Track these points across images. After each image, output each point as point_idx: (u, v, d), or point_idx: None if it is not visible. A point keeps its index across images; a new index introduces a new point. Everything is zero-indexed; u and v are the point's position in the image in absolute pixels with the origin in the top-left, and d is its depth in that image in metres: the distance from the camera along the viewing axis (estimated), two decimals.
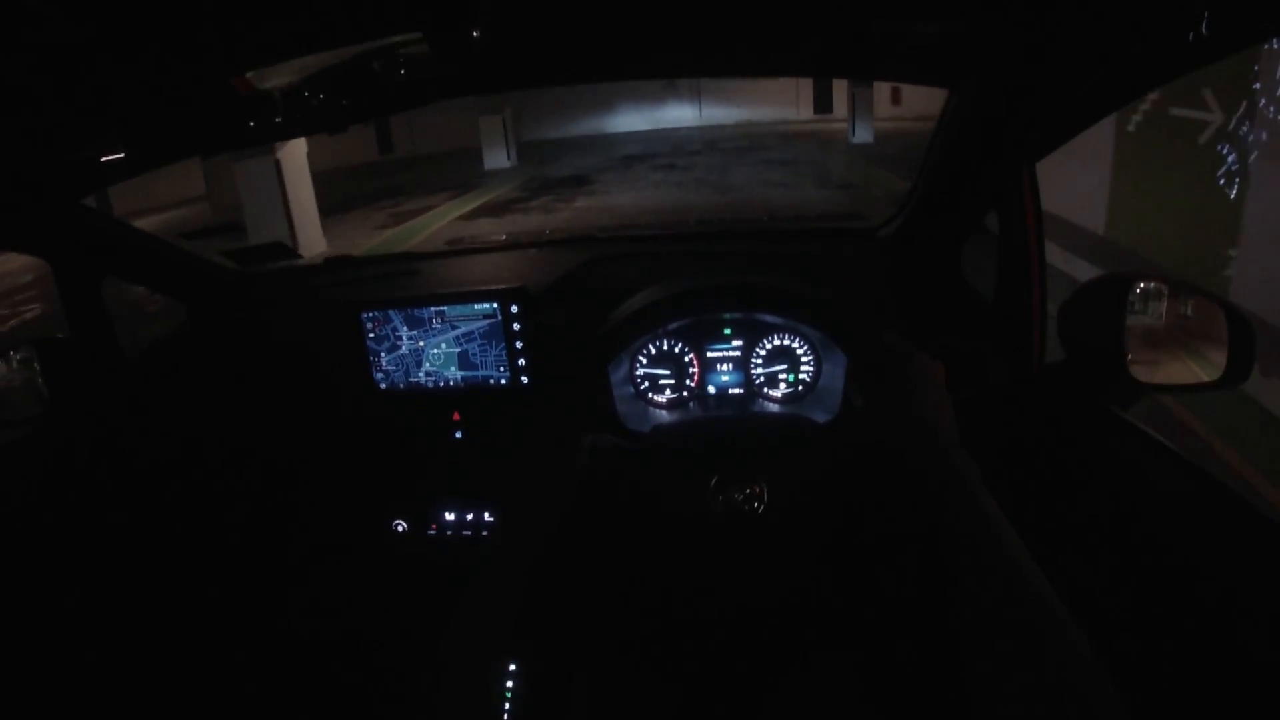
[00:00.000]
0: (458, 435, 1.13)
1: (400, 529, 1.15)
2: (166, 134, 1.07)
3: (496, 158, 13.41)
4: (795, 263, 1.19)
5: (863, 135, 12.32)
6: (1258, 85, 3.84)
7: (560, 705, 1.04)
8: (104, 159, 1.10)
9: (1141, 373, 1.05)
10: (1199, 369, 1.08)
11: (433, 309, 1.09)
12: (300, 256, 1.36)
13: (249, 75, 0.92)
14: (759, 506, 0.97)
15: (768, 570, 1.03)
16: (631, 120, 18.14)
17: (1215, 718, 0.76)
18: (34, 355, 1.17)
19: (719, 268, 1.18)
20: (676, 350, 1.11)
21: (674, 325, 1.09)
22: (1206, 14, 0.65)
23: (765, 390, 1.10)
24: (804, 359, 1.09)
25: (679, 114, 18.39)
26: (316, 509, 1.21)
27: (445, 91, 1.15)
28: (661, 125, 17.95)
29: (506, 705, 1.13)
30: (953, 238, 1.09)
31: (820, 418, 1.05)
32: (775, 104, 17.25)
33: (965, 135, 1.00)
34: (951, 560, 0.58)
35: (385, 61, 1.04)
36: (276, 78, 1.01)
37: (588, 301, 1.14)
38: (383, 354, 1.12)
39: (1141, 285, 1.06)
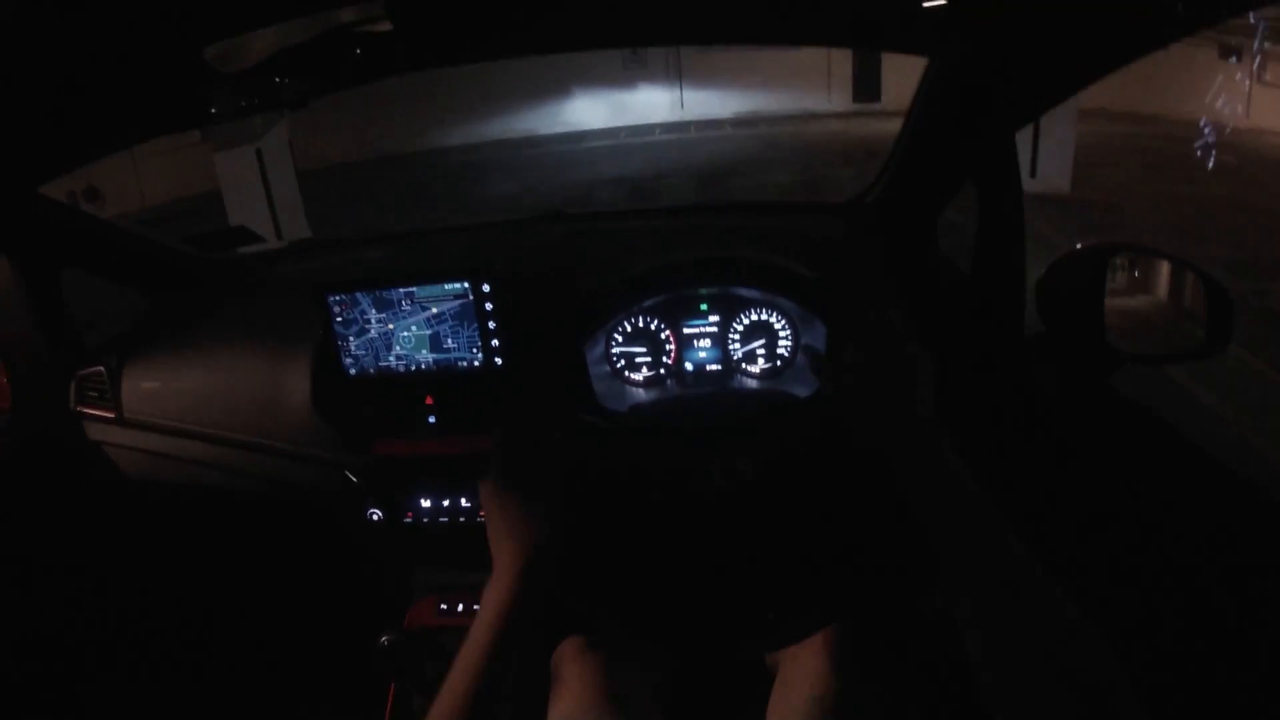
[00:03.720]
0: (431, 420, 1.10)
1: (376, 518, 1.13)
2: (123, 115, 1.03)
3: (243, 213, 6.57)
4: (773, 236, 1.17)
5: (1052, 172, 6.46)
6: None
7: (545, 689, 1.03)
8: (59, 143, 1.06)
9: (1120, 340, 1.04)
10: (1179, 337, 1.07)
11: (402, 290, 1.06)
12: (264, 240, 1.32)
13: (209, 51, 0.89)
14: (740, 482, 0.95)
15: (752, 544, 1.03)
16: (578, 114, 12.77)
17: (1210, 689, 0.76)
18: None
19: (696, 243, 1.16)
20: (653, 327, 1.09)
21: (649, 302, 1.07)
22: None
23: (744, 366, 1.08)
24: (782, 333, 1.07)
25: (650, 103, 12.95)
26: (289, 499, 1.19)
27: (410, 63, 1.12)
28: (622, 122, 12.68)
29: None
30: (930, 207, 1.08)
31: (801, 392, 1.03)
32: (795, 88, 12.23)
33: (943, 103, 0.98)
34: (928, 533, 0.57)
35: (345, 33, 1.00)
36: (234, 54, 0.97)
37: (563, 280, 1.12)
38: (351, 338, 1.09)
39: (1119, 256, 1.05)
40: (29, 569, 1.14)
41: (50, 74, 0.76)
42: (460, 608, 1.15)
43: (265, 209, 6.81)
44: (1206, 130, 7.41)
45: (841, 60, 12.12)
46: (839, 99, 12.35)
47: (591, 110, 12.90)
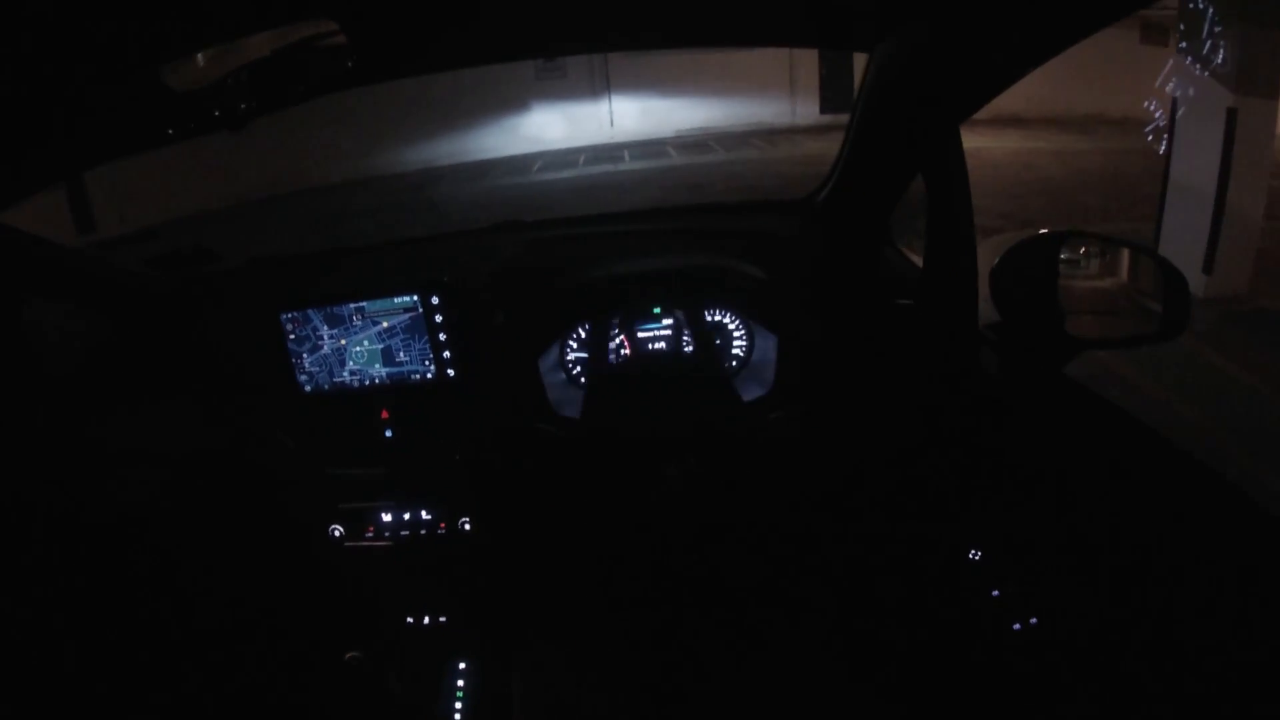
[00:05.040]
0: (388, 433, 1.09)
1: (337, 534, 1.12)
2: (79, 138, 1.03)
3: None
4: (727, 239, 1.16)
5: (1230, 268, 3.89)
6: None
7: (510, 697, 1.02)
8: (11, 169, 1.05)
9: (1077, 329, 1.03)
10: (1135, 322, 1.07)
11: (352, 306, 1.05)
12: (221, 260, 1.31)
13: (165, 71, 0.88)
14: (692, 484, 0.95)
15: (708, 545, 1.02)
16: (483, 140, 9.85)
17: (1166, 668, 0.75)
18: None
19: (652, 249, 1.15)
20: (607, 333, 1.08)
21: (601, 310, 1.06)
22: None
23: (698, 368, 1.07)
24: (736, 335, 1.07)
25: (573, 122, 10.22)
26: (250, 520, 1.18)
27: (361, 78, 1.12)
28: (538, 148, 9.87)
29: (458, 704, 1.11)
30: (879, 204, 1.07)
31: (755, 392, 1.03)
32: (751, 96, 9.88)
33: (886, 99, 0.98)
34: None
35: (296, 51, 1.00)
36: (185, 72, 0.97)
37: (517, 289, 1.11)
38: (305, 355, 1.09)
39: (1071, 243, 1.05)
40: None
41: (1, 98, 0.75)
42: (426, 620, 1.13)
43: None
44: None
45: (806, 61, 9.60)
46: (804, 110, 10.07)
47: (498, 137, 9.92)
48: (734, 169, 8.12)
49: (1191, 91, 3.84)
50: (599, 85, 10.41)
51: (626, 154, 9.59)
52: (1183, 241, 3.89)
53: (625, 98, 10.49)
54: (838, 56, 9.32)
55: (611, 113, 10.56)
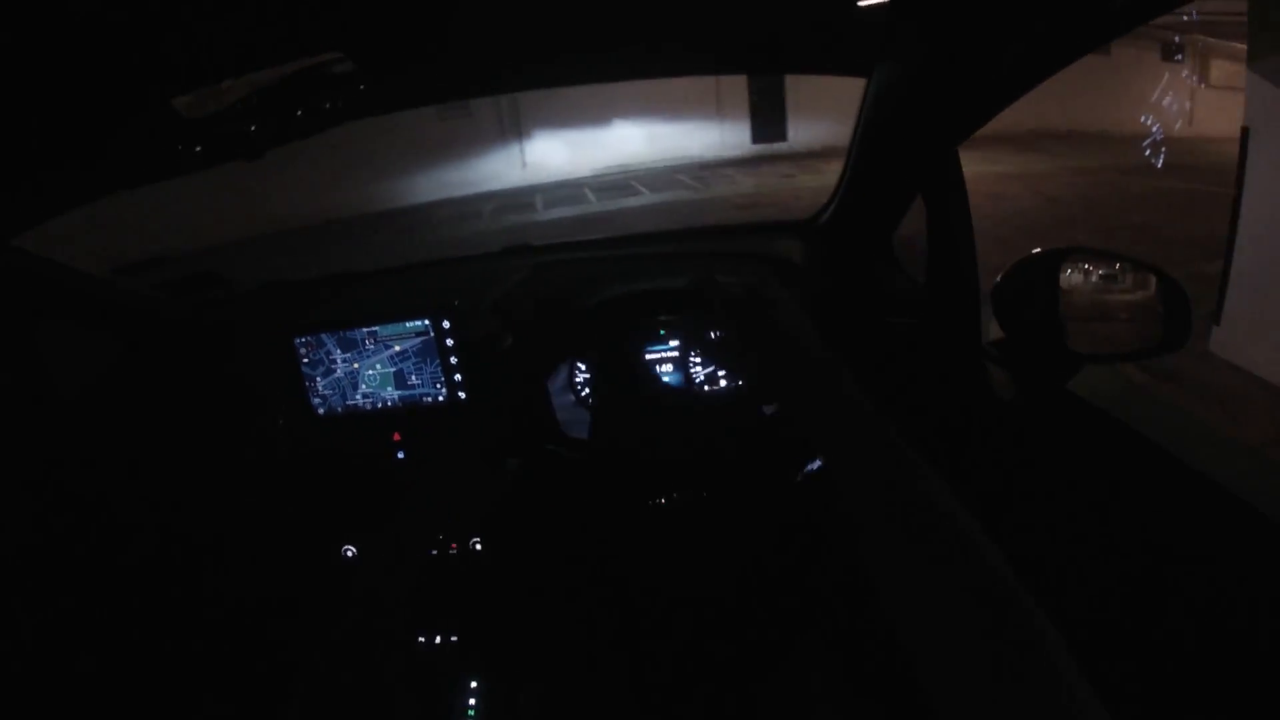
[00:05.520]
0: (400, 455, 1.11)
1: (350, 554, 1.13)
2: (94, 166, 1.05)
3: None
4: (734, 260, 1.18)
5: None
6: None
7: (520, 716, 1.03)
8: (29, 196, 1.08)
9: (1080, 344, 1.04)
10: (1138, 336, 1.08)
11: (365, 330, 1.07)
12: (233, 285, 1.34)
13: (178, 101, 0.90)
14: (701, 504, 0.95)
15: (716, 565, 1.02)
16: (377, 190, 8.32)
17: (1175, 686, 0.76)
18: None
19: (659, 271, 1.17)
20: (616, 354, 1.09)
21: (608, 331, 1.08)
22: None
23: (706, 388, 1.09)
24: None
25: (482, 164, 8.91)
26: (265, 541, 1.19)
27: (370, 109, 1.14)
28: (444, 194, 8.68)
29: None
30: (883, 223, 1.09)
31: (764, 410, 1.04)
32: (675, 125, 8.89)
33: (884, 121, 1.00)
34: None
35: (308, 82, 1.02)
36: (200, 103, 0.99)
37: (525, 311, 1.13)
38: (318, 378, 1.10)
39: (1072, 258, 1.06)
40: None
41: (18, 126, 0.77)
42: (437, 640, 1.14)
43: None
44: None
45: (734, 88, 8.46)
46: (734, 139, 8.94)
47: (397, 184, 8.42)
48: (662, 216, 7.29)
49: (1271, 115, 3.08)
50: (509, 123, 9.32)
51: (539, 200, 8.53)
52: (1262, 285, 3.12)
53: (539, 135, 9.40)
54: (768, 81, 8.45)
55: (524, 152, 9.47)
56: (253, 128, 1.07)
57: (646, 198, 8.04)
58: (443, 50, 0.97)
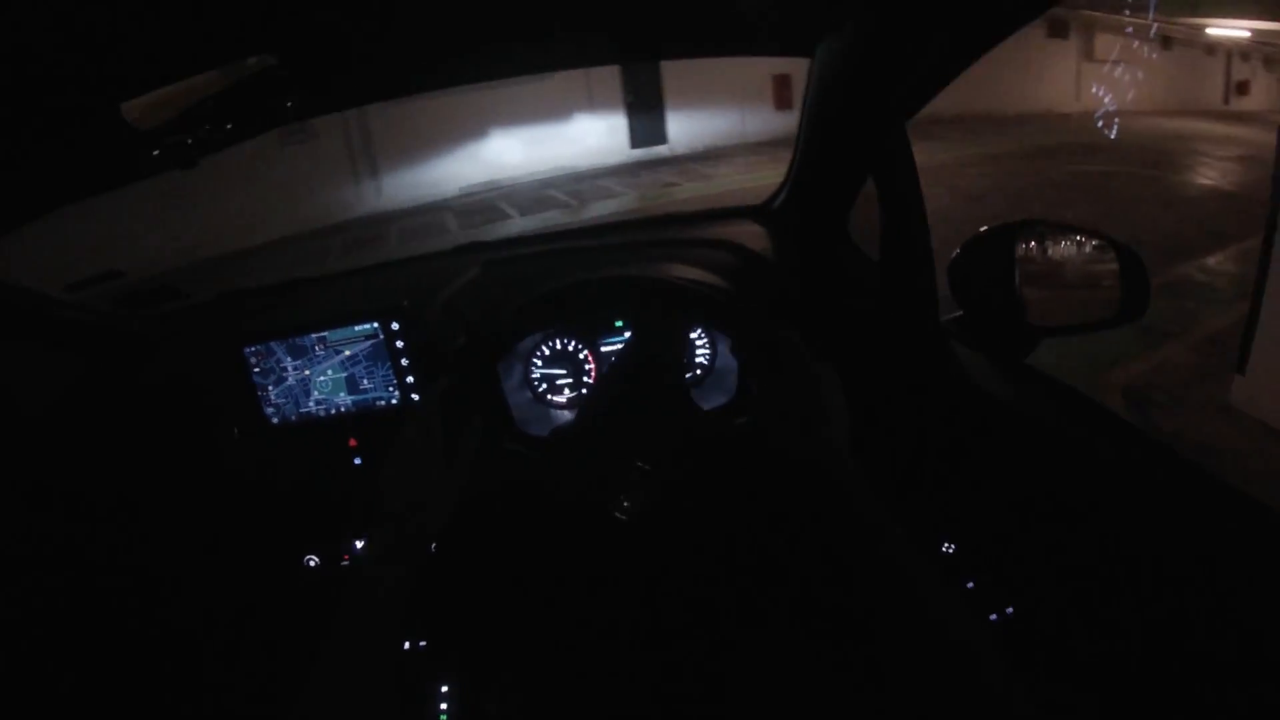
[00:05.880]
0: (357, 461, 1.09)
1: (312, 564, 1.12)
2: (43, 179, 1.03)
3: None
4: (688, 248, 1.16)
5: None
6: None
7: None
8: None
9: (1037, 317, 1.03)
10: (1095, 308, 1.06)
11: (314, 335, 1.05)
12: (189, 296, 1.32)
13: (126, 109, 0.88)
14: (660, 501, 0.94)
15: (676, 564, 1.01)
16: (199, 226, 6.73)
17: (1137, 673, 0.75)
18: None
19: (612, 261, 1.15)
20: (570, 348, 1.08)
21: (560, 324, 1.06)
22: None
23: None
24: (699, 343, 1.06)
25: (326, 188, 7.67)
26: (227, 555, 1.17)
27: (307, 111, 1.12)
28: (282, 231, 7.37)
29: None
30: (836, 205, 1.07)
31: (719, 400, 1.02)
32: (548, 129, 8.06)
33: (830, 100, 0.98)
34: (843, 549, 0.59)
35: (242, 86, 1.00)
36: (152, 110, 0.97)
37: (477, 309, 1.11)
38: (270, 387, 1.09)
39: (1025, 232, 1.05)
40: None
41: None
42: (405, 645, 1.13)
43: None
44: None
45: (603, 82, 7.62)
46: (611, 143, 8.10)
47: (219, 226, 6.87)
48: None
49: None
50: (358, 143, 8.01)
51: (395, 232, 7.40)
52: None
53: (393, 156, 8.24)
54: (644, 78, 7.74)
55: (377, 174, 8.26)
56: (189, 140, 1.05)
57: (517, 222, 7.14)
58: (378, 45, 0.95)
